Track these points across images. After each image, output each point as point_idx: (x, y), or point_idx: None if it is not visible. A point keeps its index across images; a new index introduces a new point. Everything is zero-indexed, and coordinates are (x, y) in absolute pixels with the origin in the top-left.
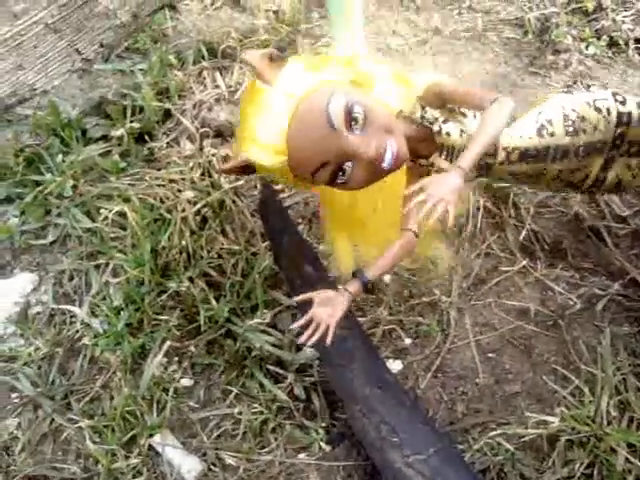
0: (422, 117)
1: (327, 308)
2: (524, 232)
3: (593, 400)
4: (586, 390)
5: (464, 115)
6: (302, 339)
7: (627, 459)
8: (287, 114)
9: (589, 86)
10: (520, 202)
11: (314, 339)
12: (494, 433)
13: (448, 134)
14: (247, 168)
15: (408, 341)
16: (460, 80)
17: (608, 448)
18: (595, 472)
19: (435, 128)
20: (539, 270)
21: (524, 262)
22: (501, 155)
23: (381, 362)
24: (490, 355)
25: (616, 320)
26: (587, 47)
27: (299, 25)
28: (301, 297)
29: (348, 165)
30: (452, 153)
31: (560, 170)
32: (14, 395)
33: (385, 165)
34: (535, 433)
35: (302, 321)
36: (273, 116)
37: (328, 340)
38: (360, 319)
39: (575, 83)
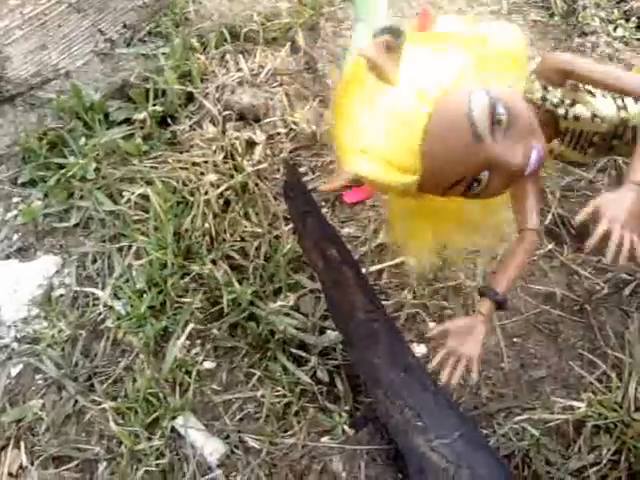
0: (543, 99)
1: (464, 339)
2: (550, 216)
3: (620, 386)
4: (613, 376)
5: (592, 94)
6: (444, 378)
7: None
8: (417, 123)
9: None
10: (546, 186)
11: (457, 376)
12: (519, 418)
13: (576, 118)
14: (355, 182)
15: (432, 325)
16: None
17: (636, 435)
18: (622, 458)
19: (560, 111)
20: (565, 254)
21: (550, 246)
22: (628, 135)
23: (405, 346)
24: (515, 340)
25: None
26: (615, 29)
27: (322, 8)
28: (436, 331)
29: (484, 174)
30: (579, 139)
31: None
32: (38, 377)
33: (527, 172)
34: (561, 418)
35: (438, 358)
36: (401, 125)
37: (474, 376)
38: (384, 302)
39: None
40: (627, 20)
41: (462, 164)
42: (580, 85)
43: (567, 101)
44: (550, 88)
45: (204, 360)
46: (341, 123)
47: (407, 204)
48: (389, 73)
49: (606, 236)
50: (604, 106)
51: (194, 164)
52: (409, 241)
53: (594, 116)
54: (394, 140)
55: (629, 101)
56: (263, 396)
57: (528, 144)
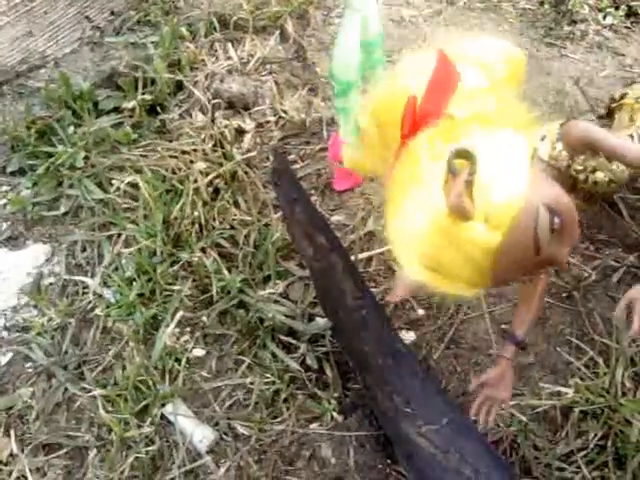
0: (568, 166)
1: (497, 386)
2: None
3: (607, 371)
4: (600, 361)
5: (610, 161)
6: (482, 422)
7: None
8: (491, 249)
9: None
10: None
11: (492, 417)
12: None
13: (595, 183)
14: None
15: (421, 312)
16: None
17: (622, 419)
18: (609, 443)
19: (581, 177)
20: None
21: None
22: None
23: (394, 333)
24: (504, 326)
25: None
26: (604, 17)
27: None
28: (474, 386)
29: None
30: (590, 197)
31: None
32: (28, 365)
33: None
34: (549, 404)
35: (476, 406)
36: (474, 251)
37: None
38: (373, 290)
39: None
40: (616, 8)
41: (524, 273)
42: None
43: (589, 168)
44: (576, 158)
45: (193, 347)
46: (396, 220)
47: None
48: (470, 212)
49: None
50: (620, 172)
51: (183, 152)
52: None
53: (610, 182)
54: (465, 263)
55: None
56: (252, 383)
57: (571, 246)
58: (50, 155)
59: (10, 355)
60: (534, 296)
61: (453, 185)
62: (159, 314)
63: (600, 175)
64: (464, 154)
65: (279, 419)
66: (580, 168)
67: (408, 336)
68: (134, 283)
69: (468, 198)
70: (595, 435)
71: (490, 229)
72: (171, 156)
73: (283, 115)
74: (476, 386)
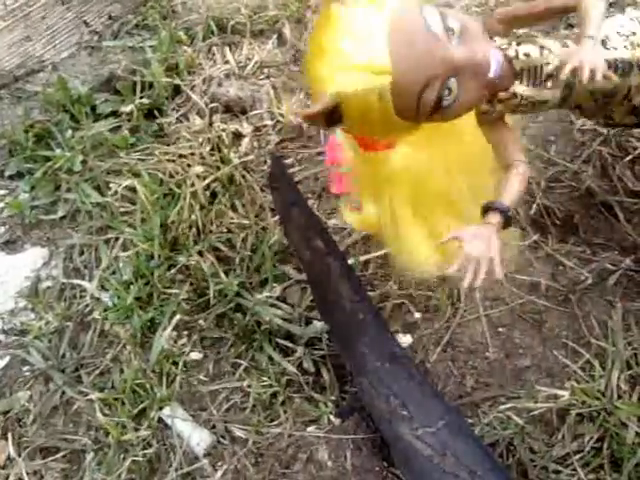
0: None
1: (479, 243)
2: (535, 207)
3: (604, 374)
4: (597, 364)
5: (535, 36)
6: (466, 282)
7: (637, 433)
8: (381, 29)
9: (623, 9)
10: (531, 176)
11: (480, 277)
12: (504, 407)
13: (527, 55)
14: (333, 114)
15: (418, 315)
16: None
17: (618, 422)
18: (605, 446)
19: (511, 53)
20: (550, 245)
21: (535, 237)
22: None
23: (391, 336)
24: (500, 329)
25: (628, 295)
26: None
27: (309, 0)
28: (447, 238)
29: (452, 82)
30: (535, 75)
31: (629, 88)
32: (25, 368)
33: (491, 75)
34: (545, 407)
35: (459, 261)
36: (365, 35)
37: (499, 273)
38: (370, 293)
39: (611, 5)
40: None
41: (425, 62)
42: (522, 33)
43: (513, 42)
44: (496, 38)
45: (191, 351)
46: (316, 54)
47: (395, 203)
48: None
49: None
50: (548, 42)
51: (181, 156)
52: (401, 232)
53: (542, 48)
54: (363, 49)
55: (570, 42)
56: (249, 386)
57: (485, 47)
58: (48, 159)
59: (7, 359)
60: (513, 179)
61: None
62: (156, 317)
63: (528, 45)
64: None
65: (276, 422)
66: (505, 45)
67: (405, 339)
68: (131, 287)
69: None
70: (591, 438)
71: (376, 9)
72: (169, 160)
73: (280, 119)
74: (449, 238)
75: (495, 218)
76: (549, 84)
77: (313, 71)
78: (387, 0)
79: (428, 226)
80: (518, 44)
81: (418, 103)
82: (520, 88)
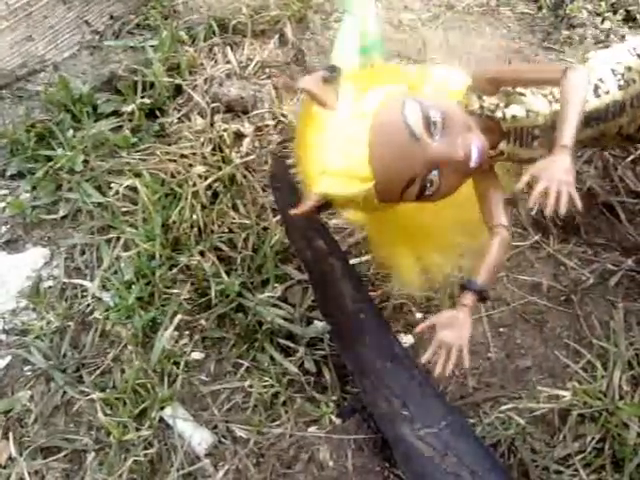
0: (481, 107)
1: (452, 330)
2: (536, 207)
3: (605, 375)
4: (598, 365)
5: (523, 94)
6: (437, 371)
7: (639, 433)
8: (362, 136)
9: (623, 37)
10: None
11: (450, 367)
12: (505, 407)
13: (514, 117)
14: (323, 205)
15: (419, 315)
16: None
17: (620, 423)
18: (606, 446)
19: (498, 115)
20: (552, 245)
21: (536, 237)
22: None
23: (392, 336)
24: (502, 330)
25: (629, 296)
26: (602, 22)
27: (310, 0)
28: (422, 326)
29: (434, 175)
30: (521, 136)
31: (621, 126)
32: (26, 368)
33: (472, 164)
34: (546, 407)
35: (431, 351)
36: (347, 141)
37: (466, 363)
38: (371, 293)
39: (608, 37)
40: (614, 12)
41: (407, 165)
42: (511, 89)
43: (502, 104)
44: (485, 97)
45: (192, 351)
46: (302, 152)
47: (384, 229)
48: (327, 100)
49: (546, 193)
50: (535, 102)
51: (182, 156)
52: (395, 263)
53: (528, 111)
54: (346, 156)
55: (554, 100)
56: (251, 386)
57: (466, 138)
58: (49, 158)
59: (9, 358)
60: (493, 248)
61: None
62: (158, 317)
63: (515, 108)
64: (330, 68)
65: (277, 422)
66: (493, 107)
67: (406, 339)
68: (133, 286)
69: (329, 92)
70: (593, 438)
71: (358, 116)
72: (170, 160)
73: (282, 119)
74: (424, 326)
75: (469, 299)
76: (535, 144)
77: (302, 168)
78: (368, 105)
79: (415, 255)
80: (506, 106)
81: (401, 197)
82: (508, 147)
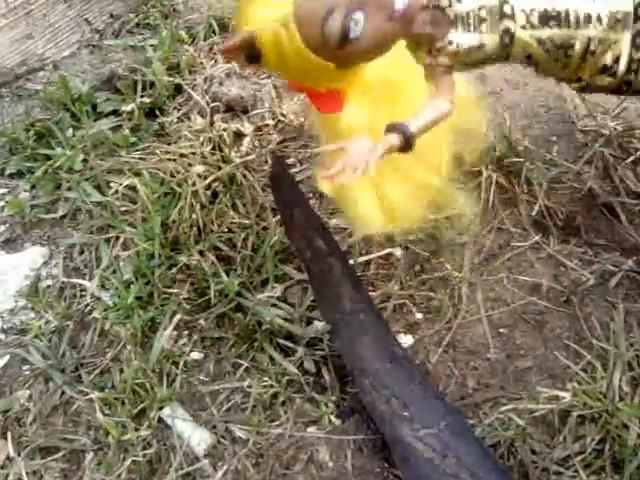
0: None
1: (360, 153)
2: (537, 208)
3: (605, 376)
4: (598, 366)
5: None
6: (322, 175)
7: (639, 435)
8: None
9: None
10: (533, 177)
11: (343, 179)
12: (505, 408)
13: (459, 1)
14: (251, 51)
15: (419, 316)
16: None
17: (620, 424)
18: (606, 448)
19: (444, 3)
20: (552, 246)
21: (536, 238)
22: (520, 18)
23: (392, 336)
24: (502, 330)
25: (629, 296)
26: None
27: None
28: (331, 146)
29: (358, 15)
30: (469, 20)
31: (589, 39)
32: (25, 367)
33: (398, 8)
34: (546, 408)
35: (334, 169)
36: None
37: (371, 168)
38: (371, 293)
39: None
40: None
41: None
42: None
43: None
44: None
45: (191, 351)
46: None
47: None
48: None
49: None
50: None
51: (182, 155)
52: (352, 197)
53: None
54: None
55: None
56: (250, 386)
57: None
58: (48, 157)
59: (7, 358)
60: (429, 103)
61: None
62: (157, 317)
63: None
64: None
65: (277, 422)
66: None
67: (406, 340)
68: (132, 286)
69: None
70: (593, 439)
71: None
72: (169, 159)
73: (282, 119)
74: (334, 148)
75: (393, 138)
76: (484, 28)
77: (239, 13)
78: None
79: (377, 190)
80: None
81: (322, 32)
82: (455, 36)
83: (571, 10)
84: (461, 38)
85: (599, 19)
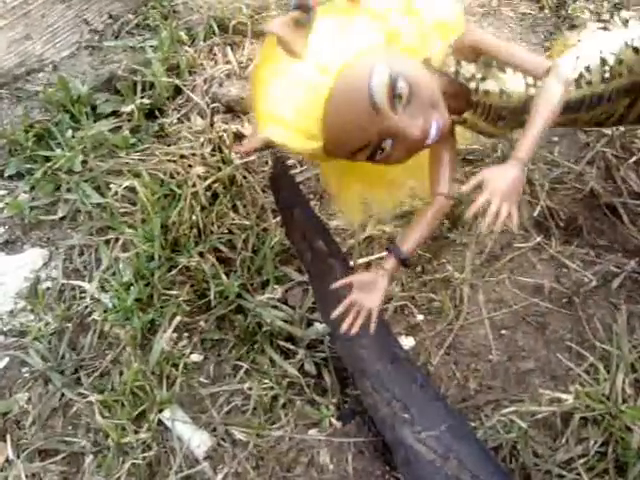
0: (457, 72)
1: (367, 293)
2: (538, 208)
3: (608, 378)
4: (601, 368)
5: (503, 71)
6: (344, 327)
7: None
8: (320, 93)
9: (627, 21)
10: (535, 178)
11: (356, 327)
12: (507, 410)
13: (486, 93)
14: (267, 145)
15: (420, 317)
16: None
17: (623, 426)
18: (609, 450)
19: (472, 85)
20: (554, 247)
21: (538, 239)
22: None
23: (393, 338)
24: (503, 332)
25: (632, 298)
26: None
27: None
28: (339, 283)
29: (388, 143)
30: (489, 112)
31: (592, 116)
32: (24, 369)
33: (429, 141)
34: (549, 410)
35: (341, 308)
36: (305, 96)
37: (372, 327)
38: None
39: (612, 17)
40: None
41: (362, 133)
42: (493, 61)
43: (478, 76)
44: (463, 63)
45: (191, 353)
46: (257, 92)
47: (341, 168)
48: (296, 48)
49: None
50: (513, 83)
51: (182, 156)
52: (340, 194)
53: (502, 92)
54: (299, 110)
55: (531, 82)
56: (250, 389)
57: (428, 118)
58: (48, 159)
59: (6, 360)
60: (427, 215)
61: (281, 19)
62: (157, 319)
63: (491, 84)
64: (303, 7)
65: (277, 425)
66: (469, 76)
67: (407, 342)
68: (132, 288)
69: (300, 38)
70: (595, 442)
71: (320, 72)
72: (169, 160)
73: None
74: (341, 284)
75: (391, 265)
76: (500, 124)
77: (254, 106)
78: (333, 61)
79: (363, 195)
80: (482, 79)
81: (351, 157)
82: (472, 117)
83: (587, 97)
84: (476, 121)
85: None
